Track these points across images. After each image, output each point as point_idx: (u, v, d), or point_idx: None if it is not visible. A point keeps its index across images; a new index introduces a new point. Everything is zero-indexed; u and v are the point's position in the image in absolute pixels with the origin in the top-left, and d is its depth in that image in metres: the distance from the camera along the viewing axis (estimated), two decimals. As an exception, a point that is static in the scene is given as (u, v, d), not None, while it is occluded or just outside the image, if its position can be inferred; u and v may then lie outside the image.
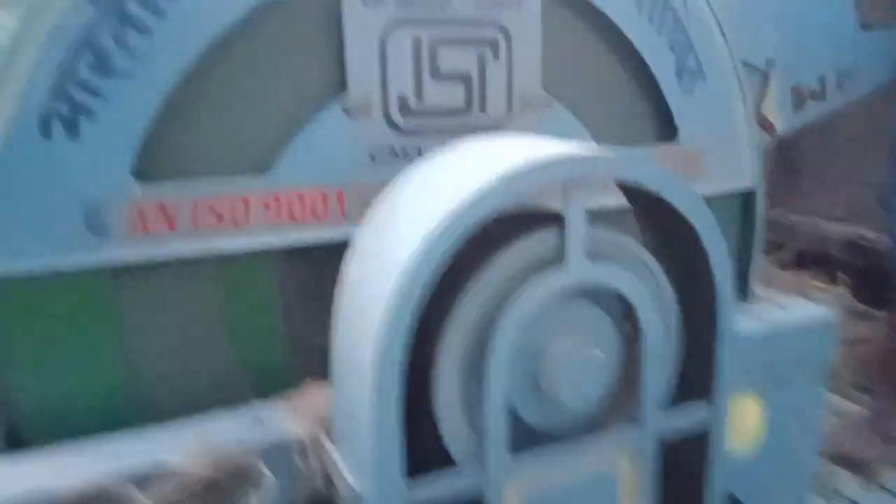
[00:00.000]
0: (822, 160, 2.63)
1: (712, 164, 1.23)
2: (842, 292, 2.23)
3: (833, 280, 2.42)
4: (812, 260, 2.64)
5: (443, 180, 0.78)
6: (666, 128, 1.20)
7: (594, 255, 0.80)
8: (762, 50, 1.42)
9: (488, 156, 0.80)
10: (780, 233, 2.93)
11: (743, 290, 1.31)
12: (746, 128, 1.26)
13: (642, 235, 0.93)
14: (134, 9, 0.82)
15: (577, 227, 0.78)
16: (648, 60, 1.14)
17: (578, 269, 0.79)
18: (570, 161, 0.76)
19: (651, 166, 0.82)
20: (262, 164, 0.93)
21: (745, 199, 1.30)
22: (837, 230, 2.73)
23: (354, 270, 0.80)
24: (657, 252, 0.88)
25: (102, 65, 0.81)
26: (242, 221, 0.92)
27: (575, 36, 1.10)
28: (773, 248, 2.58)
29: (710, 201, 1.24)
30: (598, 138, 1.13)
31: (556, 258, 0.79)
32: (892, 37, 1.54)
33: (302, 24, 0.93)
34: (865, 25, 1.52)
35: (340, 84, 0.95)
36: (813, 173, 2.66)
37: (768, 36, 1.42)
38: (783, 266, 2.62)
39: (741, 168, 1.27)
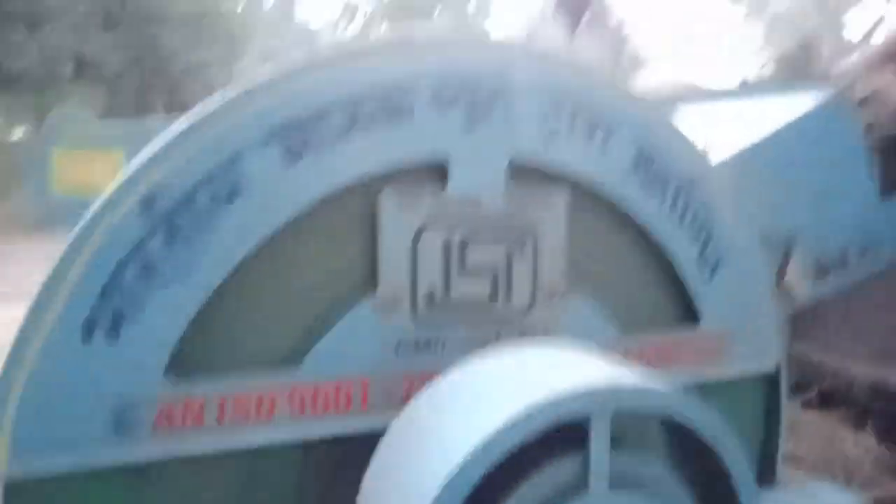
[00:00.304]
0: (848, 298, 2.61)
1: (735, 347, 1.24)
2: (870, 443, 2.17)
3: (860, 423, 2.35)
4: (838, 401, 2.58)
5: (466, 409, 0.79)
6: (689, 312, 1.21)
7: (617, 482, 0.80)
8: (785, 223, 1.45)
9: (511, 383, 0.81)
10: (806, 371, 2.88)
11: (768, 474, 1.28)
12: (769, 310, 1.27)
13: (664, 448, 0.93)
14: (182, 221, 0.87)
15: (599, 458, 0.78)
16: (670, 250, 1.17)
17: (600, 499, 0.79)
18: (590, 395, 0.77)
19: (672, 397, 0.83)
20: (290, 360, 0.95)
21: (769, 381, 1.29)
22: (863, 371, 2.68)
23: (377, 489, 0.81)
24: (679, 464, 0.88)
25: (148, 273, 0.86)
26: (268, 416, 0.93)
27: (598, 228, 1.13)
28: (798, 387, 2.53)
29: (734, 384, 1.26)
30: (622, 326, 1.15)
31: (579, 486, 0.79)
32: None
33: (338, 226, 0.97)
34: (885, 194, 1.55)
35: (372, 282, 0.99)
36: (838, 311, 2.64)
37: (791, 209, 1.45)
38: (808, 407, 2.56)
39: (765, 351, 1.27)
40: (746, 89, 1.80)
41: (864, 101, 1.70)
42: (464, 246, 1.03)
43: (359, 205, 0.98)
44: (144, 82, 12.60)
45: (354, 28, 18.45)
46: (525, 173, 1.05)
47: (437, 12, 15.15)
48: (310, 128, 0.91)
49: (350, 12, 18.46)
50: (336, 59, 0.93)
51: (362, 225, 0.98)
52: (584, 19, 3.10)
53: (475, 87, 1.00)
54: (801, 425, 2.32)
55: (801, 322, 2.76)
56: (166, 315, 0.87)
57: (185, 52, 12.46)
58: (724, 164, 1.31)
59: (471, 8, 15.22)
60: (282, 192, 0.91)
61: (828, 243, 1.50)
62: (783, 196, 1.43)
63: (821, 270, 1.51)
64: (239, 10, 16.47)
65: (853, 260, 1.54)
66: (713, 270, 1.21)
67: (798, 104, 1.46)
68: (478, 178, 1.02)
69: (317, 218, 0.95)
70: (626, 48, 3.09)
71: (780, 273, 1.45)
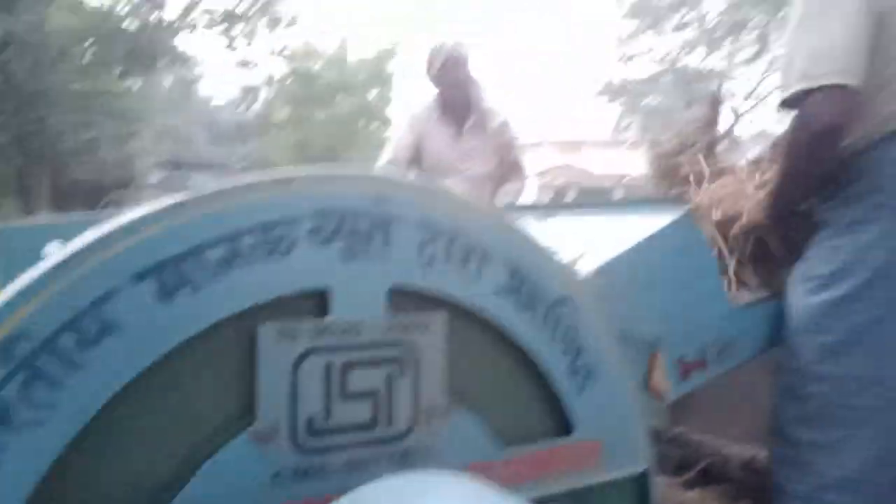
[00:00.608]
0: (720, 383, 2.82)
1: (608, 453, 1.31)
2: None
3: (737, 498, 2.50)
4: (716, 478, 2.74)
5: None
6: (563, 423, 1.28)
7: None
8: (651, 328, 1.57)
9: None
10: (687, 452, 3.04)
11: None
12: (638, 415, 1.37)
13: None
14: (44, 364, 0.84)
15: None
16: (543, 365, 1.24)
17: None
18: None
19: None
20: (163, 499, 0.92)
21: (640, 480, 1.37)
22: (736, 450, 2.87)
23: None
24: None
25: (2, 419, 0.82)
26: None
27: (477, 348, 1.20)
28: (680, 467, 2.67)
29: (607, 487, 1.33)
30: (502, 441, 1.20)
31: None
32: (758, 315, 1.75)
33: (214, 360, 0.97)
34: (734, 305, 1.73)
35: (251, 412, 0.98)
36: (712, 396, 2.83)
37: (653, 316, 1.58)
38: (690, 486, 2.70)
39: (635, 454, 1.35)
40: (610, 203, 1.98)
41: (712, 215, 1.92)
42: (345, 371, 1.05)
43: (237, 337, 0.98)
44: (24, 165, 11.95)
45: (255, 109, 18.51)
46: (404, 298, 1.11)
47: (337, 98, 15.53)
48: (186, 264, 0.92)
49: (252, 94, 18.55)
50: (214, 195, 0.96)
51: (240, 356, 0.99)
52: (468, 124, 3.30)
53: (355, 218, 1.06)
54: (685, 503, 2.44)
55: (681, 408, 2.95)
56: (22, 461, 0.83)
57: (74, 132, 11.99)
58: (590, 277, 1.42)
59: (371, 95, 15.72)
60: (154, 329, 0.91)
61: (688, 346, 1.64)
62: (646, 304, 1.56)
63: (684, 371, 1.64)
64: (136, 87, 16.17)
65: (712, 360, 1.68)
66: (584, 382, 1.29)
67: (658, 219, 1.62)
68: (358, 305, 1.06)
69: (192, 353, 0.94)
70: (512, 147, 3.30)
71: (647, 375, 1.57)
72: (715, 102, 2.21)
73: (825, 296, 1.64)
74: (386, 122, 15.41)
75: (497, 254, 1.19)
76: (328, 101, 15.35)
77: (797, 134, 1.61)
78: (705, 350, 1.67)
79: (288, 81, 16.40)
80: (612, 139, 23.36)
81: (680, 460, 2.79)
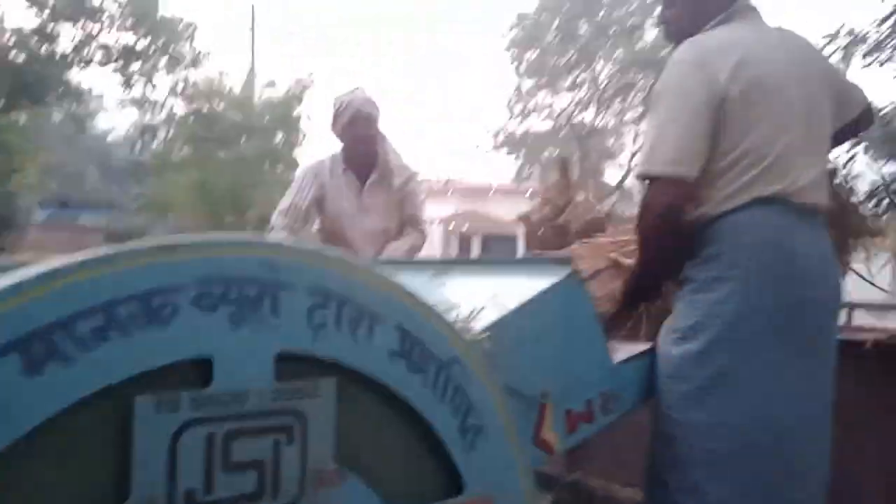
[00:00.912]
0: (613, 430, 2.95)
1: (497, 509, 1.34)
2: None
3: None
4: (610, 524, 2.84)
5: None
6: (455, 482, 1.30)
7: None
8: (539, 383, 1.63)
9: None
10: (581, 496, 3.13)
11: None
12: (528, 468, 1.41)
13: None
14: None
15: None
16: (434, 425, 1.26)
17: None
18: None
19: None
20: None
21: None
22: (627, 493, 2.99)
23: None
24: None
25: None
26: None
27: (367, 412, 1.20)
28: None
29: None
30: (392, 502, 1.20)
31: None
32: (639, 367, 1.86)
33: (87, 434, 0.93)
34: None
35: (126, 488, 0.94)
36: (607, 441, 2.93)
37: (543, 370, 1.65)
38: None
39: (523, 507, 1.39)
40: (499, 261, 2.06)
41: (590, 276, 2.04)
42: (228, 441, 1.03)
43: (113, 409, 0.94)
44: None
45: (153, 148, 17.78)
46: (293, 364, 1.10)
47: (243, 140, 15.21)
48: (55, 335, 0.88)
49: (150, 132, 17.84)
50: (89, 263, 0.93)
51: (116, 429, 0.95)
52: (371, 179, 3.32)
53: (242, 285, 1.05)
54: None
55: (577, 455, 3.04)
56: None
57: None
58: (480, 336, 1.46)
59: (278, 138, 15.51)
60: (20, 405, 0.86)
61: (575, 400, 1.71)
62: (534, 361, 1.62)
63: (572, 424, 1.71)
64: (22, 121, 15.16)
65: (598, 412, 1.76)
66: (474, 440, 1.32)
67: (545, 277, 1.70)
68: (244, 372, 1.05)
69: (62, 428, 0.90)
70: (415, 203, 3.35)
71: (536, 429, 1.62)
72: (564, 167, 2.37)
73: (686, 347, 1.78)
74: (292, 164, 15.18)
75: (388, 317, 1.21)
76: (232, 141, 14.99)
77: (642, 216, 1.83)
78: (591, 403, 1.75)
79: (189, 120, 15.92)
80: (515, 187, 24.21)
81: (576, 504, 2.86)
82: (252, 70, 17.93)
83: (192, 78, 15.87)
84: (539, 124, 26.43)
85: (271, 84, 16.29)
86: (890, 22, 4.91)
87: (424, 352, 1.25)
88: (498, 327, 1.51)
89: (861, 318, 3.89)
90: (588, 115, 25.76)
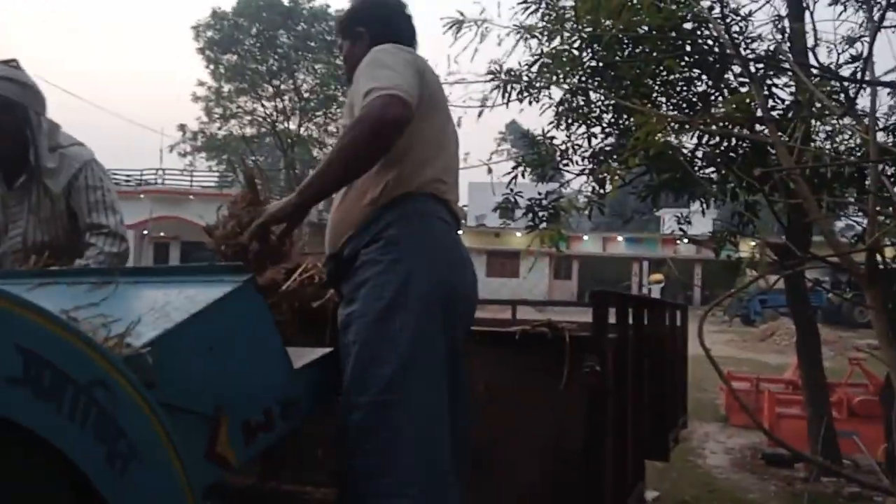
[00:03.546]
0: (307, 433, 2.95)
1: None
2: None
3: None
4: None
5: None
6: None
7: None
8: (212, 396, 1.55)
9: None
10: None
11: None
12: (196, 487, 1.33)
13: None
14: None
15: None
16: (74, 454, 1.12)
17: None
18: None
19: None
20: None
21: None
22: (321, 494, 3.03)
23: None
24: None
25: None
26: None
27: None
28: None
29: None
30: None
31: None
32: (315, 373, 1.89)
33: None
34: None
35: None
36: (305, 445, 2.92)
37: (217, 383, 1.57)
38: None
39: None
40: (167, 272, 1.93)
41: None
42: None
43: None
44: None
45: None
46: None
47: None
48: None
49: None
50: None
51: None
52: (19, 181, 2.77)
53: None
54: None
55: (274, 461, 2.96)
56: None
57: None
58: (138, 352, 1.34)
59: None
60: None
61: (252, 410, 1.67)
62: (207, 373, 1.54)
63: (250, 434, 1.66)
64: None
65: (277, 420, 1.74)
66: (125, 466, 1.20)
67: (219, 286, 1.63)
68: None
69: None
70: (94, 197, 2.87)
71: (210, 445, 1.54)
72: (251, 179, 2.31)
73: (380, 328, 1.84)
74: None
75: (5, 341, 1.03)
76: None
77: (363, 121, 1.76)
78: (270, 411, 1.72)
79: None
80: (219, 192, 23.06)
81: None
82: None
83: None
84: (241, 129, 25.67)
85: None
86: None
87: (58, 375, 1.10)
88: (163, 341, 1.40)
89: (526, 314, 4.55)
90: (292, 125, 25.82)
